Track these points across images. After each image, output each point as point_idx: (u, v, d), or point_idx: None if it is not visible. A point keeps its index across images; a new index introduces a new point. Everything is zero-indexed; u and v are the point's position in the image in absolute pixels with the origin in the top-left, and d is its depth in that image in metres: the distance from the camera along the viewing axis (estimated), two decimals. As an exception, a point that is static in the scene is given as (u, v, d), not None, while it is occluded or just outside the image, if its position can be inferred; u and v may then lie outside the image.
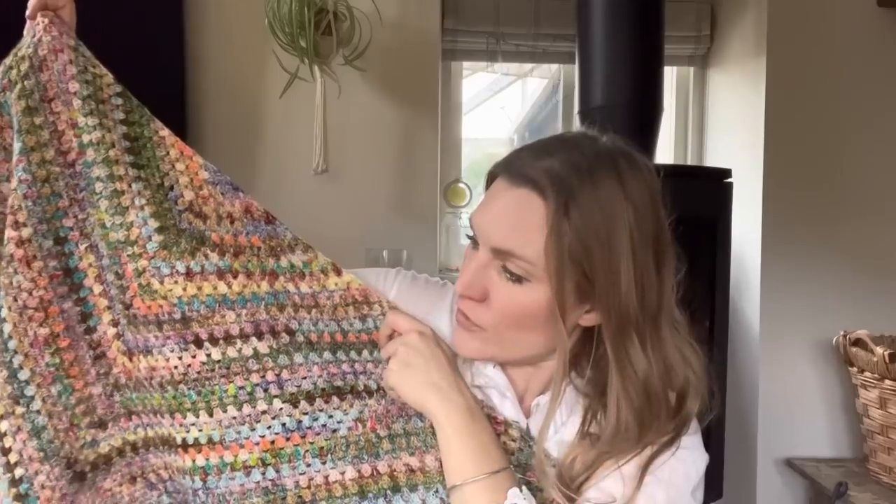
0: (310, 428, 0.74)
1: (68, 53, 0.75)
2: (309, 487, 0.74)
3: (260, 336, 0.74)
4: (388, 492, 0.75)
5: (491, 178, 0.76)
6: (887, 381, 1.62)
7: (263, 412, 0.73)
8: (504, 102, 2.39)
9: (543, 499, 0.73)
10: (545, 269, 0.68)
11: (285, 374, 0.74)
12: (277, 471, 0.73)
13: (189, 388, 0.73)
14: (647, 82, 1.66)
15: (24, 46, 0.75)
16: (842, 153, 1.89)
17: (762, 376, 1.90)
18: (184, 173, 0.77)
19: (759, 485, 1.92)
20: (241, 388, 0.73)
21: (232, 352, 0.73)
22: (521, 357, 0.77)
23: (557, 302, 0.68)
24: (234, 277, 0.74)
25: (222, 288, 0.74)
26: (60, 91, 0.75)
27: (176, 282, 0.73)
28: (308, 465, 0.74)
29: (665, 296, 0.71)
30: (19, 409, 0.72)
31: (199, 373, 0.73)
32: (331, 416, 0.75)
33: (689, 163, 2.20)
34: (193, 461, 0.73)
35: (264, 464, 0.73)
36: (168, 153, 0.77)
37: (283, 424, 0.74)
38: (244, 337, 0.74)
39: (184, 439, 0.74)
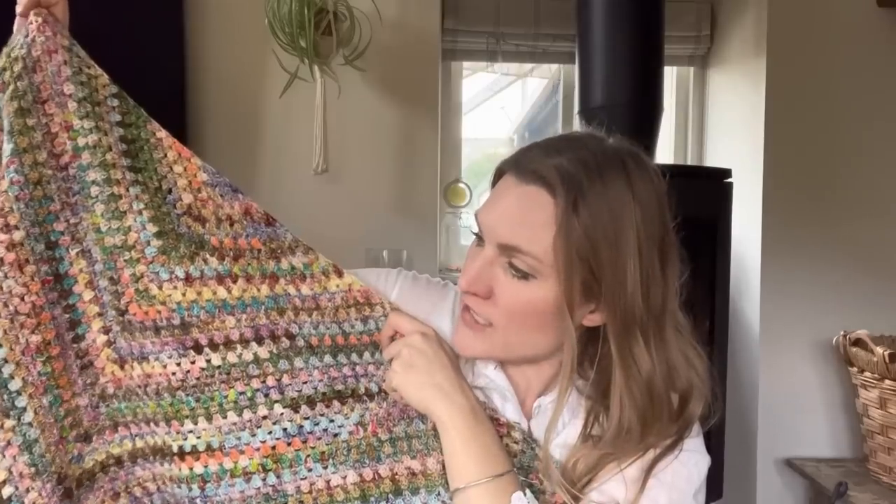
0: (311, 433, 0.74)
1: (62, 54, 0.73)
2: (310, 492, 0.74)
3: (260, 341, 0.73)
4: (390, 495, 0.75)
5: (498, 174, 0.76)
6: (887, 381, 1.62)
7: (264, 417, 0.73)
8: (504, 102, 2.39)
9: (546, 501, 0.73)
10: (552, 266, 0.68)
11: (286, 379, 0.74)
12: (278, 476, 0.73)
13: (187, 395, 0.72)
14: (647, 82, 1.66)
15: (17, 47, 0.73)
16: (842, 153, 1.89)
17: (762, 376, 1.90)
18: (182, 176, 0.76)
19: (759, 485, 1.92)
20: (242, 393, 0.73)
21: (232, 357, 0.73)
22: (524, 356, 0.77)
23: (566, 299, 0.68)
24: (234, 282, 0.74)
25: (222, 293, 0.73)
26: (55, 93, 0.73)
27: (175, 287, 0.73)
28: (309, 470, 0.74)
29: (669, 297, 0.71)
30: (9, 423, 0.69)
31: (198, 379, 0.72)
32: (332, 421, 0.75)
33: (689, 163, 2.20)
34: (191, 469, 0.73)
35: (265, 469, 0.73)
36: (166, 155, 0.76)
37: (285, 429, 0.73)
38: (244, 342, 0.73)
39: (181, 447, 0.73)
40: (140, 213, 0.73)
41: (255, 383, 0.73)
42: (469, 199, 2.08)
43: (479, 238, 0.74)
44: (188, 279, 0.73)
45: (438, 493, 0.74)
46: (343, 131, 1.82)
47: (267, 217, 0.77)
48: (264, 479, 0.73)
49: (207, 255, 0.74)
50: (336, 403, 0.75)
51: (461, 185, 2.08)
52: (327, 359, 0.76)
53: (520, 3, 2.04)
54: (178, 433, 0.73)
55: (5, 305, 0.69)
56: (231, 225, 0.76)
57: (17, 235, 0.70)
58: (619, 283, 0.68)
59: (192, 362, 0.72)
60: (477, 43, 2.07)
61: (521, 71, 2.32)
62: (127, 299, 0.74)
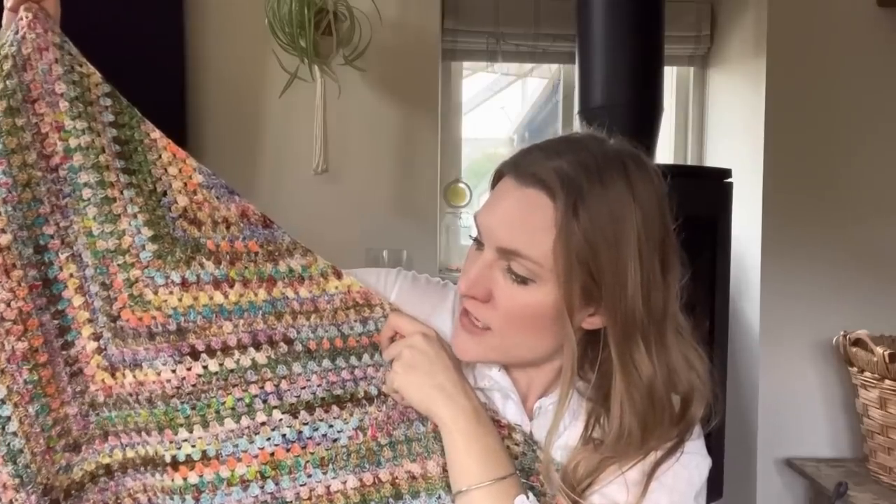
0: (310, 438, 0.73)
1: (54, 52, 0.71)
2: (310, 499, 0.73)
3: (258, 346, 0.73)
4: (391, 499, 0.74)
5: (498, 176, 0.75)
6: (887, 381, 1.62)
7: (263, 424, 0.72)
8: (504, 102, 2.39)
9: (547, 503, 0.73)
10: (552, 270, 0.67)
11: (284, 385, 0.73)
12: (277, 483, 0.72)
13: (183, 402, 0.71)
14: (647, 82, 1.66)
15: (7, 44, 0.70)
16: (842, 153, 1.89)
17: (762, 376, 1.90)
18: (177, 178, 0.74)
19: (759, 485, 1.92)
20: (240, 399, 0.71)
21: (230, 363, 0.72)
22: (523, 360, 0.77)
23: (566, 303, 0.68)
24: (231, 287, 0.73)
25: (219, 298, 0.72)
26: (45, 92, 0.70)
27: (171, 292, 0.71)
28: (309, 476, 0.73)
29: (670, 300, 0.71)
30: None
31: (194, 385, 0.71)
32: (331, 426, 0.74)
33: (689, 163, 2.20)
34: (185, 479, 0.71)
35: (263, 477, 0.71)
36: (160, 156, 0.74)
37: (284, 435, 0.72)
38: (242, 348, 0.72)
39: (174, 457, 0.71)
40: (135, 216, 0.72)
41: (254, 389, 0.72)
42: (469, 199, 2.08)
43: (478, 241, 0.74)
44: (184, 284, 0.72)
45: (439, 497, 0.74)
46: (343, 131, 1.82)
47: (264, 219, 0.76)
48: (262, 487, 0.71)
49: (203, 259, 0.73)
50: (335, 408, 0.75)
51: (461, 185, 2.08)
52: (326, 363, 0.75)
53: (520, 3, 2.04)
54: (171, 442, 0.71)
55: None
56: (227, 228, 0.74)
57: (4, 239, 0.68)
58: (620, 286, 0.67)
59: (189, 369, 0.71)
60: (477, 43, 2.07)
61: (521, 71, 2.32)
62: (119, 305, 0.72)
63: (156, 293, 0.72)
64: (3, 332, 0.68)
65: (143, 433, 0.72)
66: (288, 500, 0.72)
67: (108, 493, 0.74)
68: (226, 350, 0.71)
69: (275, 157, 1.87)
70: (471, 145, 2.21)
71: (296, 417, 0.73)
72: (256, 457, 0.71)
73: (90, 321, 0.72)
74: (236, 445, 0.71)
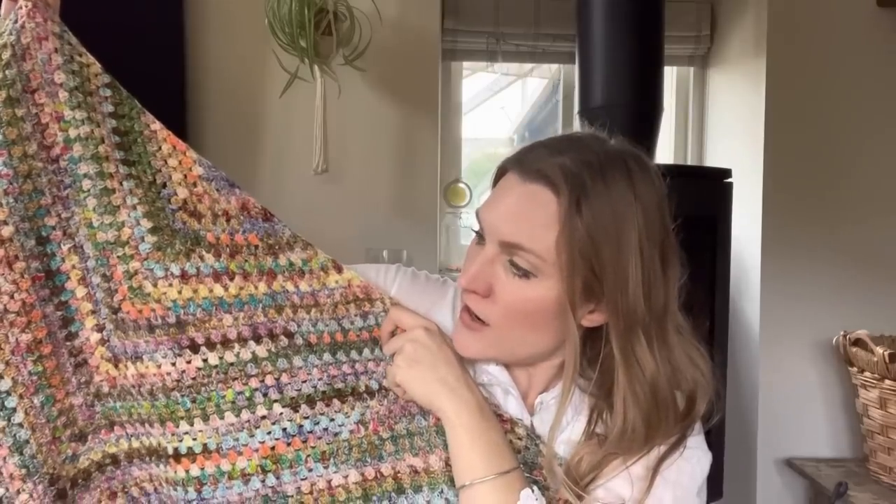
0: (311, 432, 0.73)
1: (53, 41, 0.70)
2: (311, 493, 0.72)
3: (258, 340, 0.72)
4: (393, 494, 0.74)
5: (501, 173, 0.76)
6: (887, 381, 1.62)
7: (263, 417, 0.71)
8: (504, 102, 2.39)
9: (550, 497, 0.73)
10: (554, 264, 0.68)
11: (285, 378, 0.72)
12: (278, 477, 0.71)
13: (183, 395, 0.70)
14: (647, 82, 1.66)
15: (6, 33, 0.69)
16: (842, 153, 1.89)
17: (762, 376, 1.90)
18: (177, 170, 0.73)
19: (759, 485, 1.92)
20: (240, 393, 0.71)
21: (230, 356, 0.71)
22: (523, 357, 0.77)
23: (568, 297, 0.68)
24: (231, 279, 0.72)
25: (218, 290, 0.72)
26: (45, 82, 0.70)
27: (170, 284, 0.71)
28: (310, 471, 0.72)
29: (670, 298, 0.71)
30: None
31: (194, 379, 0.70)
32: (332, 420, 0.74)
33: (689, 163, 2.20)
34: (187, 471, 0.70)
35: (264, 471, 0.71)
36: (160, 148, 0.74)
37: (284, 429, 0.72)
38: (242, 341, 0.72)
39: (176, 449, 0.70)
40: (134, 207, 0.71)
41: (254, 383, 0.71)
42: (469, 199, 2.08)
43: (480, 236, 0.74)
44: (184, 276, 0.71)
45: (441, 491, 0.74)
46: (343, 131, 1.82)
47: (264, 212, 0.76)
48: (263, 481, 0.71)
49: (203, 252, 0.72)
50: (336, 402, 0.74)
51: (461, 185, 2.09)
52: (326, 357, 0.75)
53: (520, 3, 2.04)
54: (172, 435, 0.70)
55: None
56: (227, 220, 0.74)
57: (6, 231, 0.67)
58: (621, 283, 0.68)
59: (188, 362, 0.70)
60: (477, 43, 2.07)
61: (521, 71, 2.32)
62: (120, 297, 0.71)
63: (155, 285, 0.71)
64: (7, 324, 0.67)
65: (147, 424, 0.72)
66: (289, 494, 0.72)
67: (114, 481, 0.74)
68: (226, 343, 0.71)
69: (275, 157, 1.87)
70: (471, 145, 2.21)
71: (296, 411, 0.72)
72: (257, 450, 0.71)
73: (93, 312, 0.72)
74: (237, 439, 0.71)
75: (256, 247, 0.74)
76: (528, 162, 0.72)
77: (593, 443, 0.73)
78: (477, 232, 0.75)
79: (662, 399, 0.71)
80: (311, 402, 0.73)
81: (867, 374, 1.67)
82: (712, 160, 2.15)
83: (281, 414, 0.72)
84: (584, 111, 1.69)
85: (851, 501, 1.63)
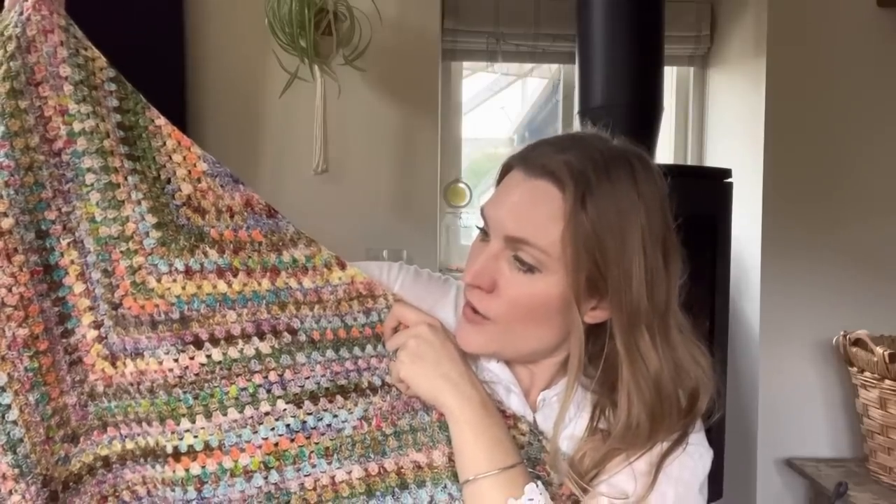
0: (315, 428, 0.73)
1: (59, 34, 0.70)
2: (315, 489, 0.72)
3: (262, 336, 0.72)
4: (396, 489, 0.74)
5: (505, 170, 0.77)
6: (887, 381, 1.62)
7: (266, 414, 0.71)
8: (504, 102, 2.39)
9: (553, 493, 0.73)
10: (559, 259, 0.69)
11: (288, 375, 0.72)
12: (281, 474, 0.71)
13: (185, 392, 0.69)
14: (647, 82, 1.66)
15: (11, 25, 0.69)
16: (842, 153, 1.89)
17: (762, 376, 1.90)
18: (181, 165, 0.73)
19: (759, 485, 1.92)
20: (244, 389, 0.71)
21: (233, 352, 0.71)
22: (525, 353, 0.78)
23: (573, 293, 0.69)
24: (235, 276, 0.72)
25: (222, 287, 0.72)
26: (50, 75, 0.69)
27: (174, 280, 0.70)
28: (314, 467, 0.72)
29: (672, 295, 0.72)
30: None
31: (197, 375, 0.70)
32: (335, 416, 0.74)
33: (689, 163, 2.20)
34: (187, 470, 0.70)
35: (267, 467, 0.71)
36: (165, 143, 0.73)
37: (288, 425, 0.72)
38: (246, 337, 0.71)
39: (176, 447, 0.70)
40: (138, 203, 0.71)
41: (258, 379, 0.71)
42: (469, 199, 2.08)
43: (484, 233, 0.75)
44: (188, 272, 0.71)
45: (444, 486, 0.74)
46: (343, 131, 1.82)
47: (268, 208, 0.76)
48: (266, 478, 0.71)
49: (207, 248, 0.72)
50: (339, 398, 0.74)
51: (461, 185, 2.09)
52: (329, 353, 0.75)
53: (520, 3, 2.04)
54: (172, 433, 0.70)
55: None
56: (231, 216, 0.74)
57: (6, 223, 0.66)
58: (625, 278, 0.69)
59: (192, 358, 0.70)
60: (477, 43, 2.07)
61: (521, 71, 2.32)
62: (122, 292, 0.71)
63: (159, 281, 0.70)
64: (4, 318, 0.66)
65: (144, 423, 0.71)
66: (292, 490, 0.71)
67: (105, 485, 0.73)
68: (229, 339, 0.71)
69: (275, 157, 1.87)
70: (471, 145, 2.21)
71: (300, 407, 0.72)
72: (260, 447, 0.71)
73: (91, 309, 0.71)
74: (240, 436, 0.70)
75: (260, 243, 0.74)
76: (533, 158, 0.73)
77: (596, 438, 0.74)
78: (481, 229, 0.76)
79: (666, 395, 0.71)
80: (314, 398, 0.73)
81: (867, 374, 1.67)
82: (712, 160, 2.15)
83: (284, 410, 0.72)
84: (584, 111, 1.69)
85: (851, 501, 1.63)
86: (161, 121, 0.74)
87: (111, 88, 0.72)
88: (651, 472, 0.71)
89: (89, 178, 0.70)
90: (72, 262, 0.70)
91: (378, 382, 0.76)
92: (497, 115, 2.40)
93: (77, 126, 0.70)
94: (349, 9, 1.63)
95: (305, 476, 0.72)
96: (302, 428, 0.72)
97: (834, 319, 1.84)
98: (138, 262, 0.70)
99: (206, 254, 0.72)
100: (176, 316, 0.70)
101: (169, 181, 0.73)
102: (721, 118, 2.14)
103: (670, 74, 2.20)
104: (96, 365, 0.71)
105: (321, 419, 0.73)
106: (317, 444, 0.73)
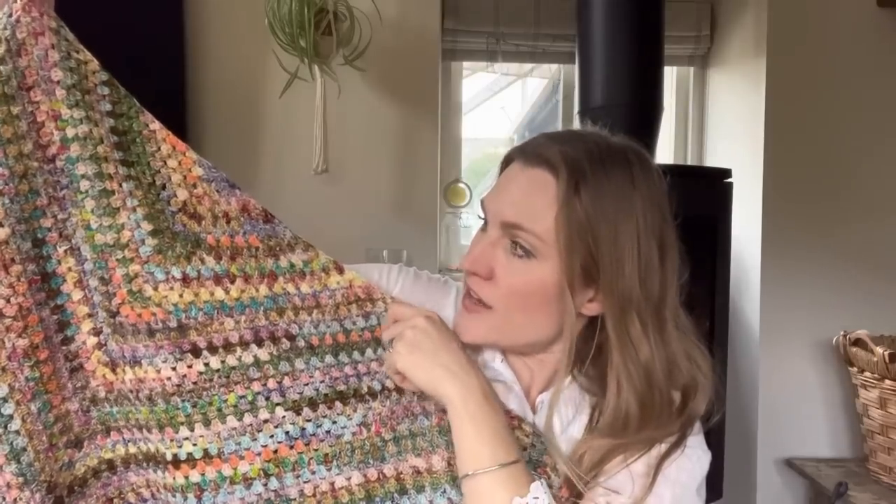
0: (314, 435, 0.72)
1: (50, 37, 0.68)
2: (314, 496, 0.72)
3: (260, 343, 0.71)
4: (395, 494, 0.74)
5: (506, 162, 0.79)
6: (887, 381, 1.62)
7: (266, 421, 0.70)
8: (504, 102, 2.39)
9: (554, 494, 0.73)
10: (553, 245, 0.70)
11: (287, 381, 0.72)
12: (281, 481, 0.71)
13: (183, 400, 0.69)
14: (647, 82, 1.66)
15: (0, 27, 0.67)
16: (842, 153, 1.89)
17: (762, 376, 1.90)
18: (176, 170, 0.72)
19: (759, 485, 1.92)
20: (242, 396, 0.70)
21: (232, 360, 0.70)
22: (525, 342, 0.78)
23: (566, 278, 0.70)
24: (232, 282, 0.71)
25: (220, 294, 0.71)
26: (41, 79, 0.67)
27: (171, 288, 0.69)
28: (313, 473, 0.72)
29: (668, 290, 0.73)
30: None
31: (195, 383, 0.69)
32: (335, 422, 0.73)
33: (689, 163, 2.20)
34: (187, 477, 0.69)
35: (267, 474, 0.70)
36: (159, 148, 0.72)
37: (287, 432, 0.71)
38: (244, 344, 0.71)
39: (175, 455, 0.69)
40: (134, 209, 0.69)
41: (256, 386, 0.71)
42: (469, 199, 2.08)
43: (484, 223, 0.77)
44: (185, 280, 0.70)
45: (444, 491, 0.74)
46: (343, 131, 1.82)
47: (265, 213, 0.75)
48: (266, 485, 0.70)
49: (204, 255, 0.71)
50: (338, 404, 0.74)
51: (461, 185, 2.08)
52: (328, 359, 0.74)
53: (520, 3, 2.04)
54: (171, 440, 0.69)
55: None
56: (228, 222, 0.73)
57: (2, 233, 0.65)
58: (618, 265, 0.70)
59: (190, 366, 0.69)
60: (477, 43, 2.07)
61: (521, 71, 2.32)
62: (118, 300, 0.70)
63: (156, 289, 0.69)
64: (4, 329, 0.65)
65: (144, 430, 0.70)
66: (292, 497, 0.71)
67: (111, 487, 0.73)
68: (228, 347, 0.70)
69: (275, 157, 1.87)
70: (471, 145, 2.21)
71: (299, 414, 0.72)
72: (259, 454, 0.70)
73: (90, 316, 0.70)
74: (239, 443, 0.70)
75: (257, 249, 0.74)
76: (531, 149, 0.75)
77: (594, 436, 0.74)
78: (482, 219, 0.77)
79: (657, 386, 0.71)
80: (313, 404, 0.73)
81: (867, 374, 1.67)
82: (712, 160, 2.15)
83: (283, 417, 0.71)
84: (584, 111, 1.69)
85: (851, 501, 1.63)
86: (155, 125, 0.72)
87: (104, 92, 0.71)
88: (649, 474, 0.71)
89: (84, 184, 0.69)
90: (69, 269, 0.69)
91: (378, 387, 0.76)
92: (497, 115, 2.40)
93: (70, 131, 0.69)
94: (349, 9, 1.63)
95: (305, 483, 0.72)
96: (301, 435, 0.72)
97: (834, 319, 1.84)
98: (134, 271, 0.69)
99: (202, 260, 0.71)
100: (173, 324, 0.69)
101: (164, 187, 0.71)
102: (721, 118, 2.14)
103: (670, 74, 2.20)
104: (97, 371, 0.71)
105: (320, 425, 0.73)
106: (316, 450, 0.72)
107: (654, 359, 0.71)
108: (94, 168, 0.69)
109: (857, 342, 1.70)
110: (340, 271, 0.78)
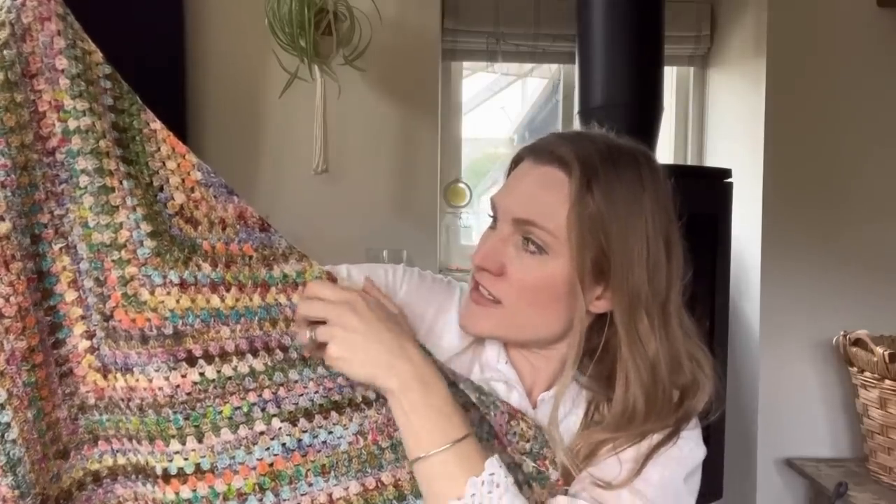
0: (311, 446, 0.70)
1: (56, 23, 0.64)
2: None
3: (255, 353, 0.69)
4: (394, 501, 0.73)
5: (516, 161, 0.80)
6: (887, 381, 1.62)
7: (262, 433, 0.68)
8: (504, 102, 2.39)
9: (551, 485, 0.74)
10: (565, 241, 0.71)
11: (282, 392, 0.70)
12: (277, 494, 0.68)
13: (175, 412, 0.65)
14: (647, 82, 1.66)
15: (4, 10, 0.63)
16: (841, 153, 1.89)
17: (762, 376, 1.90)
18: (175, 172, 0.69)
19: (759, 485, 1.92)
20: (238, 408, 0.67)
21: (227, 370, 0.67)
22: (532, 338, 0.79)
23: (578, 273, 0.71)
24: (227, 290, 0.68)
25: (216, 301, 0.68)
26: (45, 67, 0.63)
27: (169, 293, 0.65)
28: (310, 485, 0.70)
29: (673, 287, 0.74)
30: None
31: (189, 394, 0.65)
32: (331, 433, 0.72)
33: (689, 163, 2.20)
34: (177, 493, 0.65)
35: (262, 489, 0.67)
36: (159, 149, 0.69)
37: (283, 444, 0.69)
38: (240, 354, 0.68)
39: (165, 469, 0.65)
40: (133, 209, 0.65)
41: (252, 397, 0.68)
42: (469, 199, 2.08)
43: (494, 221, 0.77)
44: (183, 285, 0.66)
45: None
46: (343, 131, 1.82)
47: (261, 222, 0.72)
48: (261, 500, 0.68)
49: (200, 261, 0.68)
50: (334, 414, 0.72)
51: (461, 185, 2.08)
52: (321, 370, 0.72)
53: (520, 3, 2.04)
54: (162, 454, 0.65)
55: None
56: (224, 229, 0.70)
57: (4, 227, 0.60)
58: (628, 262, 0.71)
59: (184, 376, 0.65)
60: (477, 43, 2.07)
61: (521, 71, 2.32)
62: (113, 304, 0.65)
63: (152, 293, 0.65)
64: (3, 331, 0.61)
65: (134, 441, 0.67)
66: None
67: (94, 500, 0.69)
68: (224, 356, 0.67)
69: (275, 157, 1.87)
70: (471, 145, 2.21)
71: (295, 425, 0.70)
72: (255, 468, 0.67)
73: (83, 318, 0.66)
74: (233, 457, 0.67)
75: (251, 257, 0.71)
76: (542, 147, 0.76)
77: (593, 430, 0.74)
78: (492, 217, 0.78)
79: (661, 381, 0.72)
80: (309, 415, 0.71)
81: (867, 374, 1.67)
82: (712, 160, 2.15)
83: (280, 428, 0.69)
84: (584, 111, 1.69)
85: (851, 501, 1.63)
86: (156, 125, 0.69)
87: (106, 86, 0.67)
88: (638, 461, 0.71)
89: (83, 180, 0.65)
90: (64, 268, 0.65)
91: (372, 396, 0.74)
92: (497, 115, 2.40)
93: (72, 124, 0.65)
94: (349, 9, 1.63)
95: (302, 495, 0.69)
96: (298, 446, 0.70)
97: (834, 319, 1.84)
98: (130, 273, 0.65)
99: (199, 266, 0.67)
100: (169, 331, 0.65)
101: (162, 189, 0.68)
102: (721, 118, 2.14)
103: (670, 74, 2.20)
104: (87, 376, 0.67)
105: (317, 436, 0.71)
106: (313, 461, 0.70)
107: (660, 353, 0.72)
108: (95, 163, 0.65)
109: (857, 342, 1.70)
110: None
